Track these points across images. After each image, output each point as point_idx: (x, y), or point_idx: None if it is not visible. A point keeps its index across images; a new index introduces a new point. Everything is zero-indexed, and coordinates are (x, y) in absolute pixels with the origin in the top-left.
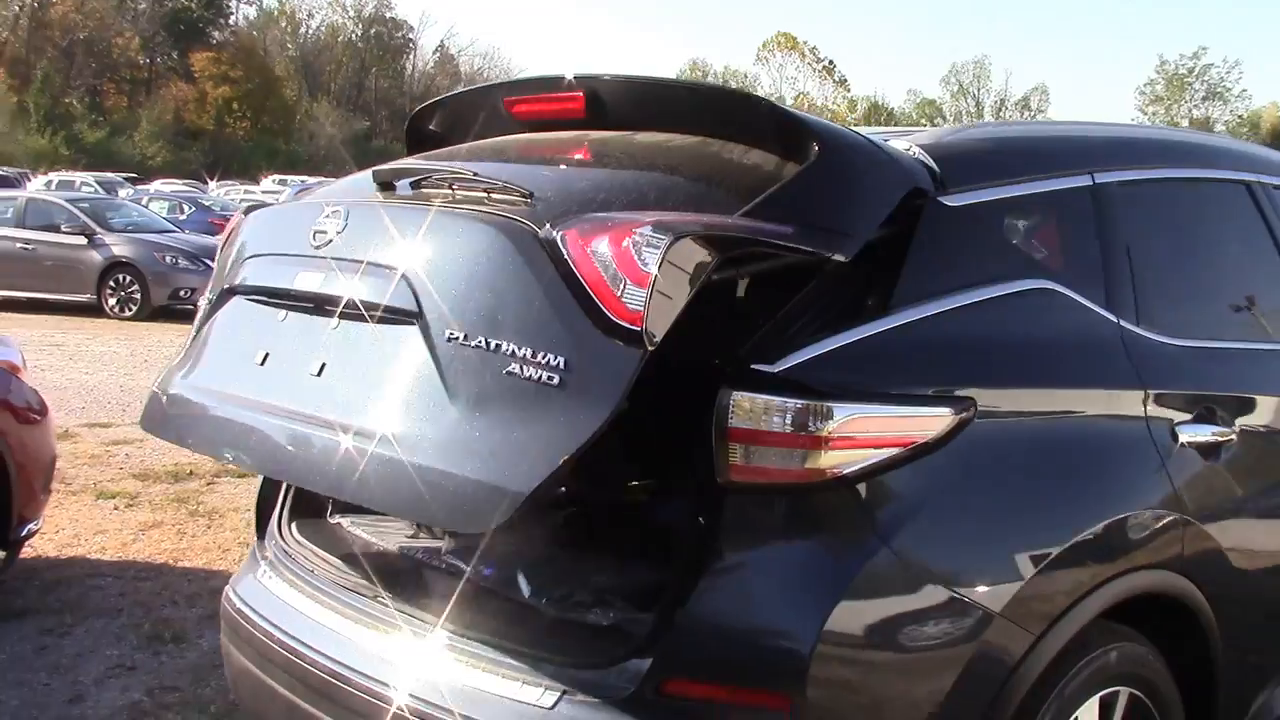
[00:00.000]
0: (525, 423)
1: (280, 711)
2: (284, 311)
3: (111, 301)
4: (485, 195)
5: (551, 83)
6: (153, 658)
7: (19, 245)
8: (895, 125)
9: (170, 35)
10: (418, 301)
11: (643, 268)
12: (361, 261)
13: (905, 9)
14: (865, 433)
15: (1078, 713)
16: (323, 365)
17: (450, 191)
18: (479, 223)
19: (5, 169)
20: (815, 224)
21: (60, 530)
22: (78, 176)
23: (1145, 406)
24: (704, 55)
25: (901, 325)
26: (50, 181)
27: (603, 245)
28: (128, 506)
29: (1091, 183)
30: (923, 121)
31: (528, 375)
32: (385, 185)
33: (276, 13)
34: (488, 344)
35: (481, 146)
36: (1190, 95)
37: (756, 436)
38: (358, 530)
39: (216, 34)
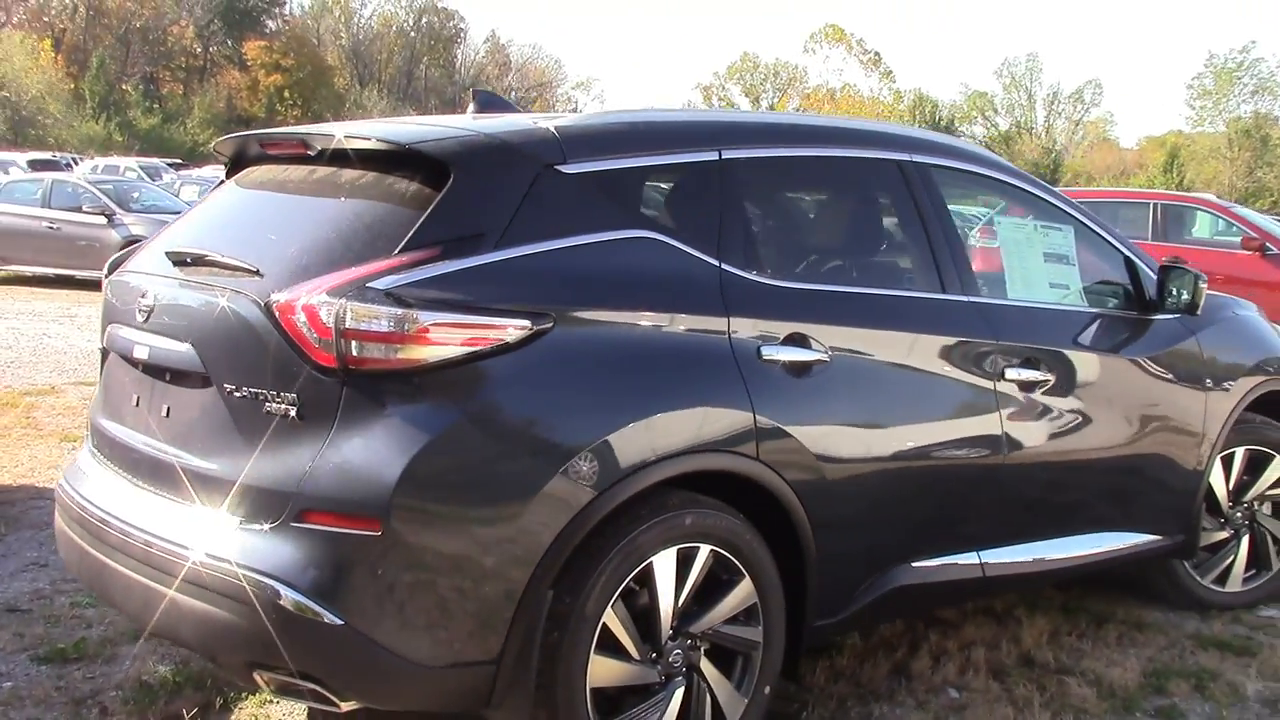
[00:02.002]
0: (285, 443)
1: (76, 556)
2: (139, 369)
3: None
4: (233, 272)
5: (286, 135)
6: None
7: (45, 224)
8: (943, 119)
9: (225, 24)
10: (205, 366)
11: (325, 324)
12: (168, 336)
13: (955, 2)
14: (450, 334)
15: (653, 558)
16: (169, 409)
17: (213, 269)
18: (230, 303)
19: (56, 154)
20: (461, 235)
21: (19, 465)
22: (123, 162)
23: (729, 329)
24: (754, 49)
25: (502, 260)
26: (96, 166)
27: (299, 310)
28: None
29: (718, 158)
30: (973, 114)
31: (278, 410)
32: (177, 261)
33: (330, 2)
34: (251, 392)
35: (242, 197)
36: (1239, 90)
37: (365, 335)
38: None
39: (270, 23)
